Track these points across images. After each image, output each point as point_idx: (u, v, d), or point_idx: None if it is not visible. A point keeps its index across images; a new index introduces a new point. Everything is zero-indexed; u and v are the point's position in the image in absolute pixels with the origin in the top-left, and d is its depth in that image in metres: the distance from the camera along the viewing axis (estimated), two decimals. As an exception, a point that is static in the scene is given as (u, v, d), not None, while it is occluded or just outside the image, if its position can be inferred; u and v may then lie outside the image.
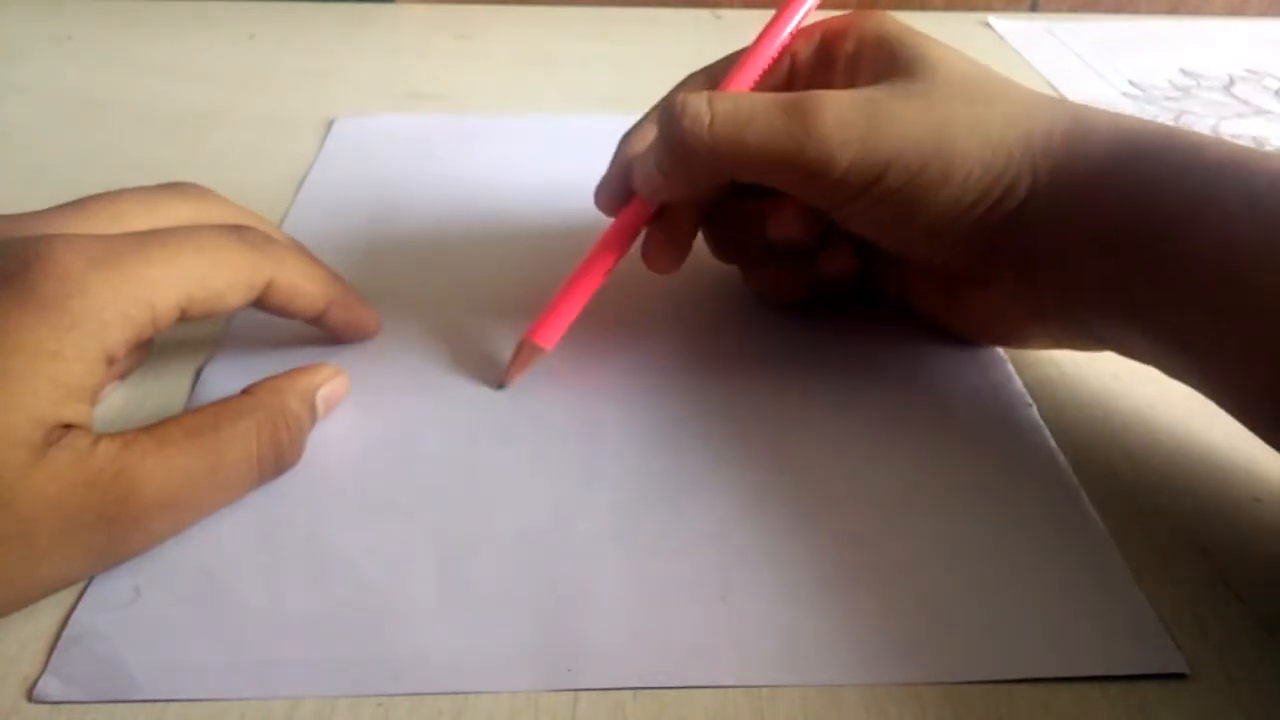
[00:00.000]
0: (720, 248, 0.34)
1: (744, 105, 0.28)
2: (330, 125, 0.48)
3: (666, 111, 0.29)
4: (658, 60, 0.57)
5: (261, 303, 0.29)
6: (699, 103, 0.28)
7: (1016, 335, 0.32)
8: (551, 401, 0.31)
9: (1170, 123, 0.52)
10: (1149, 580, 0.26)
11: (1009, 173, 0.28)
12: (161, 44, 0.58)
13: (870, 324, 0.34)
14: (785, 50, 0.33)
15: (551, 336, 0.31)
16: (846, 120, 0.27)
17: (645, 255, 0.32)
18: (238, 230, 0.28)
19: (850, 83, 0.31)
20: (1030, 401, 0.31)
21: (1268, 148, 0.49)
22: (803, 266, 0.33)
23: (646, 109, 0.51)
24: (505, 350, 0.32)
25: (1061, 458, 0.29)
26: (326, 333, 0.32)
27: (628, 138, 0.33)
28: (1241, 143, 0.28)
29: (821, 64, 0.33)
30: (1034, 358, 0.33)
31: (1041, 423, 0.30)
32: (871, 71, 0.30)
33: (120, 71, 0.54)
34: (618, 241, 0.32)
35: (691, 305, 0.36)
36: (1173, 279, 0.25)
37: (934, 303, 0.33)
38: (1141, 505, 0.28)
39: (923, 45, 0.30)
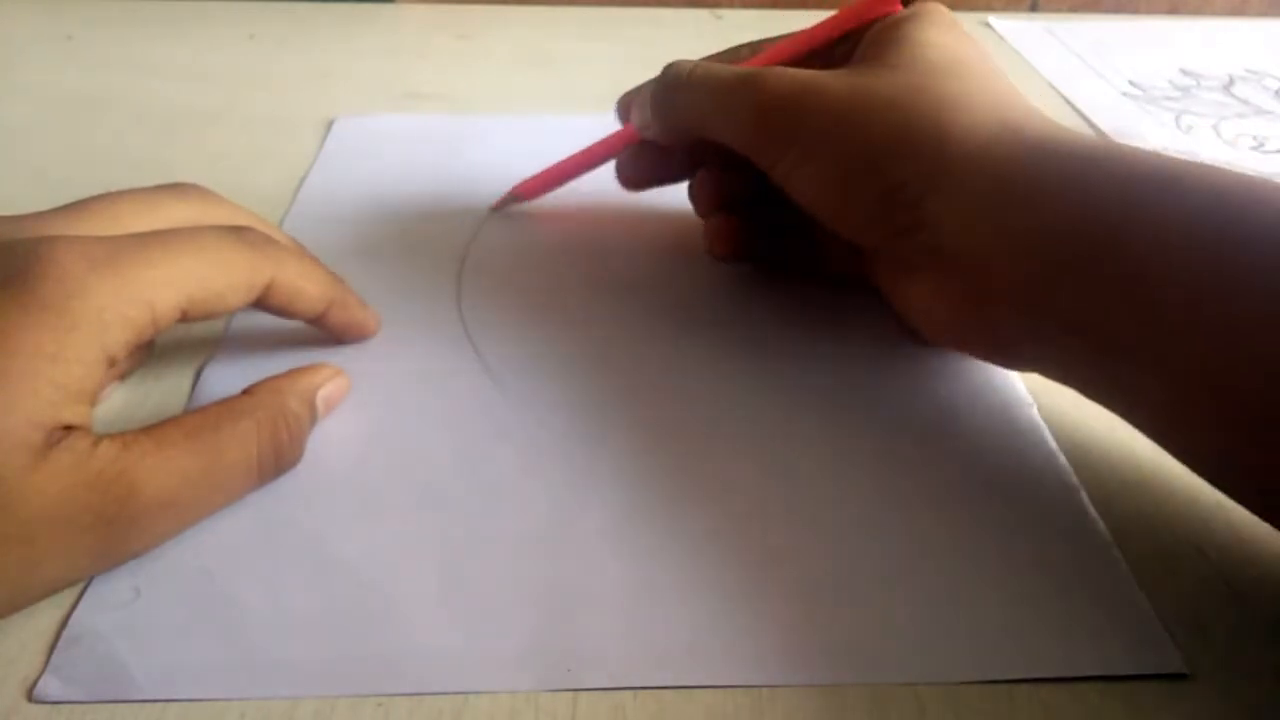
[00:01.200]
0: (694, 205, 0.37)
1: (716, 70, 0.33)
2: (330, 125, 0.48)
3: (665, 67, 0.35)
4: (658, 60, 0.56)
5: (262, 303, 0.29)
6: (688, 62, 0.34)
7: (949, 334, 0.31)
8: (552, 402, 0.31)
9: (1171, 122, 0.52)
10: (1149, 580, 0.26)
11: (909, 166, 0.28)
12: (161, 44, 0.58)
13: (872, 323, 0.34)
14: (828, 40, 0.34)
15: (533, 191, 0.41)
16: (779, 90, 0.30)
17: (618, 165, 0.38)
18: (238, 231, 0.28)
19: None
20: (1030, 401, 0.31)
21: (1267, 147, 0.49)
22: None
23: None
24: (505, 348, 0.33)
25: (1062, 458, 0.29)
26: (326, 333, 0.32)
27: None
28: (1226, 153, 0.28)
29: (848, 49, 0.33)
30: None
31: (1041, 422, 0.30)
32: (865, 56, 0.31)
33: (120, 71, 0.54)
34: (611, 145, 0.39)
35: (692, 305, 0.36)
36: (1099, 290, 0.25)
37: (885, 286, 0.33)
38: (1141, 505, 0.28)
39: (913, 32, 0.31)
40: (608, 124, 0.46)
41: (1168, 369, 0.24)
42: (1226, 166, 0.25)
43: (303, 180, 0.43)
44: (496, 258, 0.38)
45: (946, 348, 0.33)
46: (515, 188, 0.41)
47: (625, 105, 0.39)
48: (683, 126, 0.34)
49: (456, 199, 0.42)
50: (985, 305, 0.28)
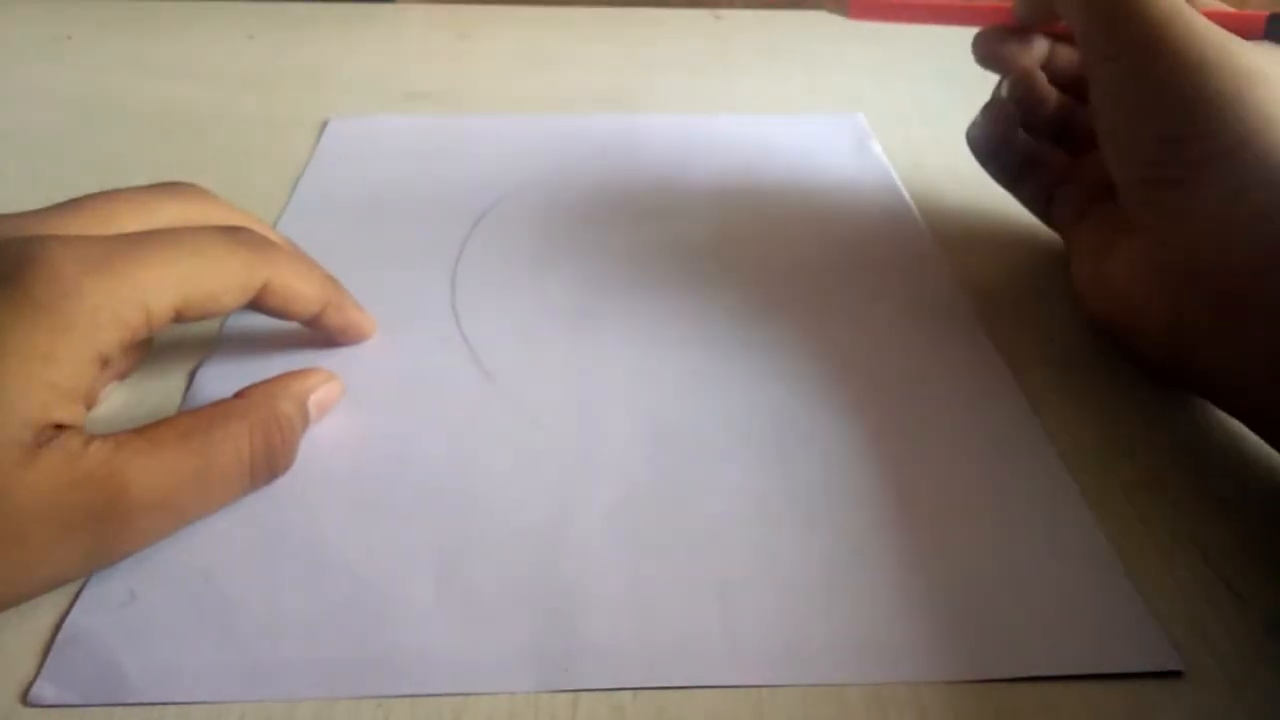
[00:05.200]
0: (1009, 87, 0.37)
1: None
2: (324, 126, 0.48)
3: None
4: (658, 60, 0.57)
5: (257, 304, 0.29)
6: None
7: (1129, 306, 0.32)
8: (548, 402, 0.31)
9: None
10: (1149, 581, 0.25)
11: (1226, 122, 0.28)
12: (161, 44, 0.58)
13: (871, 331, 0.34)
14: None
15: (863, 11, 0.38)
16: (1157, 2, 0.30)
17: (976, 37, 0.37)
18: (233, 231, 0.28)
19: None
20: (1027, 403, 0.31)
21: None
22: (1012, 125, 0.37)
23: (646, 109, 0.51)
24: (500, 349, 0.33)
25: (1057, 458, 0.29)
26: (322, 335, 0.32)
27: None
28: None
29: None
30: (1033, 358, 0.33)
31: (1039, 423, 0.30)
32: None
33: (120, 71, 0.54)
34: (975, 12, 0.37)
35: (690, 305, 0.35)
36: None
37: (1087, 241, 0.34)
38: (1141, 505, 0.28)
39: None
40: (607, 122, 0.46)
41: None
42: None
43: (298, 181, 0.43)
44: (491, 258, 0.38)
45: (1110, 322, 0.33)
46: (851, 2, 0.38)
47: None
48: (1039, 9, 0.34)
49: (451, 200, 0.42)
50: (1197, 285, 0.29)
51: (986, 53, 0.37)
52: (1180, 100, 0.29)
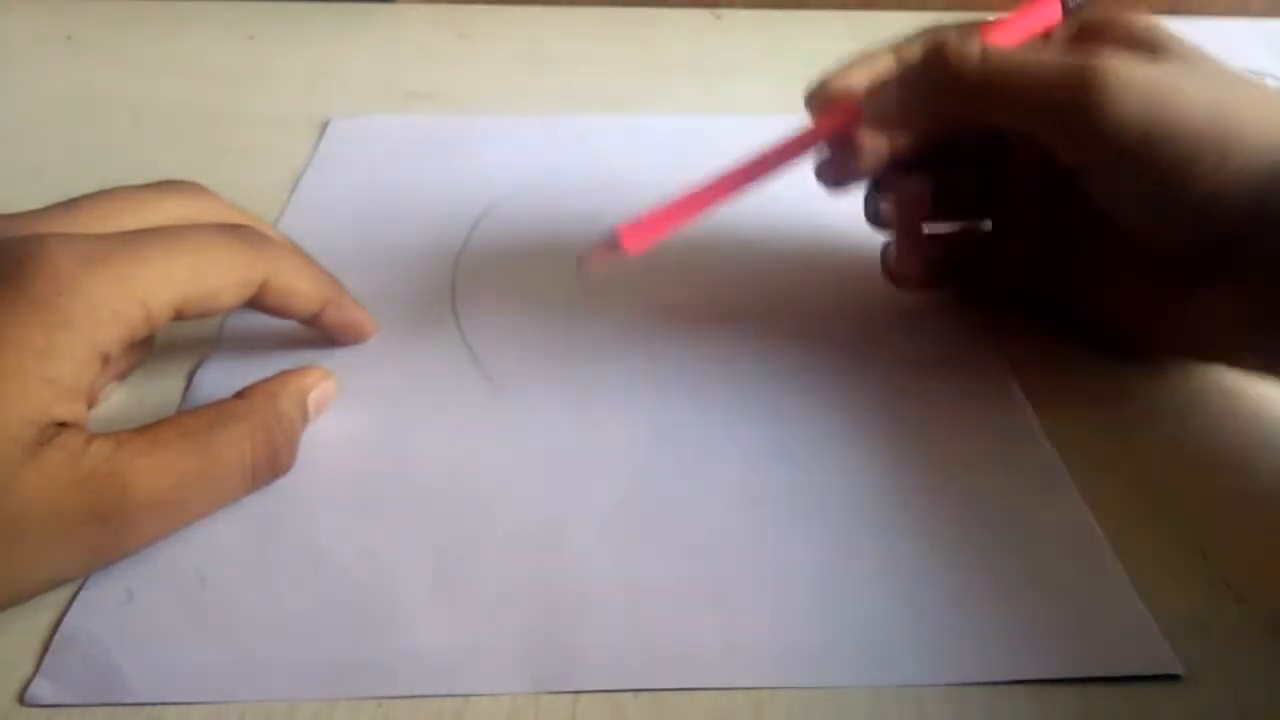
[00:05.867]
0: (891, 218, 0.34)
1: (1024, 58, 0.28)
2: (325, 126, 0.48)
3: (934, 41, 0.29)
4: (658, 60, 0.57)
5: (256, 303, 0.29)
6: (963, 44, 0.28)
7: (1217, 350, 0.30)
8: (547, 403, 0.31)
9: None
10: (1149, 581, 0.25)
11: (1257, 163, 0.26)
12: (161, 44, 0.58)
13: (867, 329, 0.34)
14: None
15: (640, 241, 0.30)
16: (1132, 92, 0.26)
17: (823, 171, 0.33)
18: (233, 229, 0.28)
19: None
20: (1026, 403, 0.31)
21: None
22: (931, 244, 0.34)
23: (646, 109, 0.50)
24: (499, 350, 0.33)
25: (1057, 459, 0.29)
26: (322, 334, 0.32)
27: (851, 67, 0.32)
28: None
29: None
30: (1033, 359, 0.33)
31: (1038, 425, 0.30)
32: (1147, 49, 0.29)
33: (120, 71, 0.54)
34: (760, 166, 0.32)
35: (689, 306, 0.35)
36: None
37: (1133, 306, 0.31)
38: (1141, 505, 0.28)
39: (1173, 41, 0.30)
40: (607, 122, 0.46)
41: None
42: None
43: (298, 181, 0.43)
44: (491, 259, 0.38)
45: (1196, 359, 0.32)
46: (619, 228, 0.30)
47: (825, 98, 0.32)
48: (959, 116, 0.30)
49: (451, 200, 0.42)
50: None
51: (835, 182, 0.33)
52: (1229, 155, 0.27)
